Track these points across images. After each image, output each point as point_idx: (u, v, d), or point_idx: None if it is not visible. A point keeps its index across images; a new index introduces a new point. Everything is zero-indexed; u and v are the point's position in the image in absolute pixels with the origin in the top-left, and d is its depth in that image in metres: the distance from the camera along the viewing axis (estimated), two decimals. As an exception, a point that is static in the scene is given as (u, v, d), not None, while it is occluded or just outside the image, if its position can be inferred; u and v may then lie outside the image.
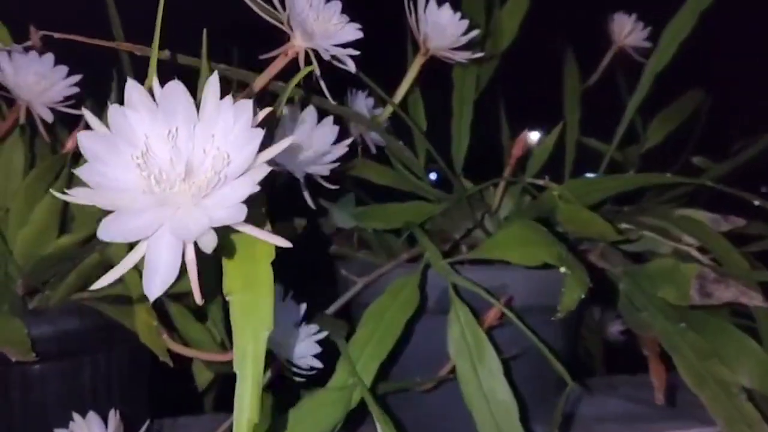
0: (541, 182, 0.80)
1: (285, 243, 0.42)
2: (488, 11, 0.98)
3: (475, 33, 0.75)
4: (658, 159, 1.17)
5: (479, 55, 0.75)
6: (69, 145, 0.71)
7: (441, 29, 0.73)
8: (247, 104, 0.40)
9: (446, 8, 0.75)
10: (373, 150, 0.95)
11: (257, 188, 0.39)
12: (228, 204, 0.39)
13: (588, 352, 1.22)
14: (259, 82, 0.63)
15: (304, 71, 0.56)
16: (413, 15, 0.75)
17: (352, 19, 0.64)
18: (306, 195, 0.71)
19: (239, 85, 0.71)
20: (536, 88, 1.28)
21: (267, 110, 0.42)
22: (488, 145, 1.06)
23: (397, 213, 0.84)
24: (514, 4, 0.98)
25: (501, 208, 0.94)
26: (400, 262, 0.85)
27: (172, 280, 0.39)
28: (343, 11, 0.65)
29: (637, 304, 0.81)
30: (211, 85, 0.41)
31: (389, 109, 0.80)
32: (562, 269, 0.63)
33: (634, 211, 0.89)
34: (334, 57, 0.63)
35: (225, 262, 0.44)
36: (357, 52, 0.61)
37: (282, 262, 0.85)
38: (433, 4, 0.75)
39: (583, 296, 0.63)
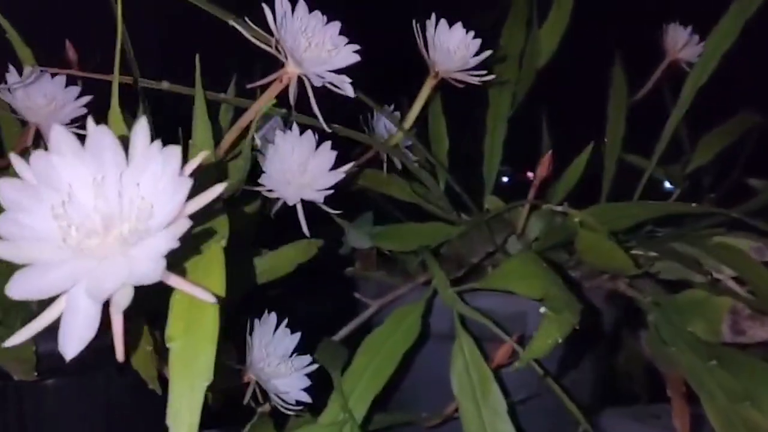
0: (559, 208, 0.76)
1: (209, 297, 0.40)
2: (529, 27, 0.95)
3: (486, 54, 0.71)
4: (706, 176, 1.10)
5: (490, 77, 0.71)
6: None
7: (448, 53, 0.70)
8: (175, 151, 0.38)
9: (458, 28, 0.71)
10: (399, 166, 0.92)
11: (176, 244, 0.37)
12: (149, 258, 0.37)
13: (630, 377, 1.16)
14: (254, 109, 0.62)
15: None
16: (421, 38, 0.72)
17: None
18: (302, 221, 0.69)
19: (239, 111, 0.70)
20: (580, 101, 1.23)
21: (202, 155, 0.39)
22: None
23: (413, 234, 0.82)
24: (554, 21, 0.95)
25: (529, 229, 0.90)
26: (417, 285, 0.83)
27: (90, 336, 0.37)
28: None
29: (665, 337, 0.76)
30: (140, 129, 0.39)
31: (400, 135, 0.78)
32: (542, 309, 0.59)
33: (669, 237, 0.84)
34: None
35: (171, 305, 0.43)
36: (349, 80, 0.59)
37: (297, 281, 0.84)
38: (443, 25, 0.71)
39: (560, 341, 0.58)
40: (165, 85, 0.62)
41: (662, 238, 0.84)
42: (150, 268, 0.37)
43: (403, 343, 0.68)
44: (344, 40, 0.61)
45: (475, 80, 0.71)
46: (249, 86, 0.60)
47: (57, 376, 0.77)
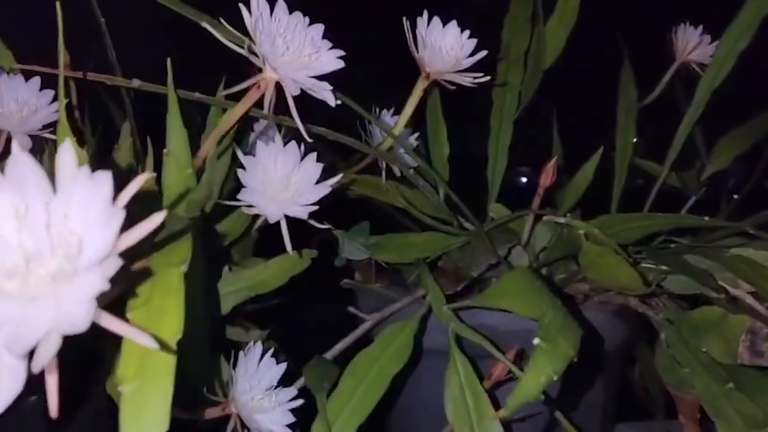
0: (562, 220, 0.71)
1: (151, 343, 0.35)
2: (534, 25, 0.90)
3: (481, 54, 0.66)
4: (731, 179, 1.05)
5: (485, 79, 0.67)
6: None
7: (438, 53, 0.65)
8: (106, 178, 0.33)
9: (452, 27, 0.66)
10: (398, 173, 0.88)
11: (107, 285, 0.32)
12: (77, 301, 0.32)
13: (646, 392, 1.11)
14: (234, 115, 0.58)
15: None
16: (412, 36, 0.67)
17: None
18: (286, 240, 0.64)
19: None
20: (593, 102, 1.18)
21: (141, 180, 0.34)
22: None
23: (410, 245, 0.78)
24: (561, 16, 0.89)
25: (535, 239, 0.85)
26: (416, 299, 0.79)
27: (17, 391, 0.33)
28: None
29: (677, 357, 0.71)
30: (65, 152, 0.33)
31: (389, 140, 0.73)
32: (536, 341, 0.53)
33: (682, 249, 0.78)
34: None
35: (123, 343, 0.38)
36: (330, 87, 0.54)
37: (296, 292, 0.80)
38: (436, 23, 0.66)
39: (555, 378, 0.52)
40: (136, 83, 0.58)
41: (675, 250, 0.79)
42: (79, 313, 0.32)
43: (394, 364, 0.64)
44: (327, 43, 0.57)
45: (468, 82, 0.66)
46: (225, 92, 0.56)
47: (39, 393, 0.74)
